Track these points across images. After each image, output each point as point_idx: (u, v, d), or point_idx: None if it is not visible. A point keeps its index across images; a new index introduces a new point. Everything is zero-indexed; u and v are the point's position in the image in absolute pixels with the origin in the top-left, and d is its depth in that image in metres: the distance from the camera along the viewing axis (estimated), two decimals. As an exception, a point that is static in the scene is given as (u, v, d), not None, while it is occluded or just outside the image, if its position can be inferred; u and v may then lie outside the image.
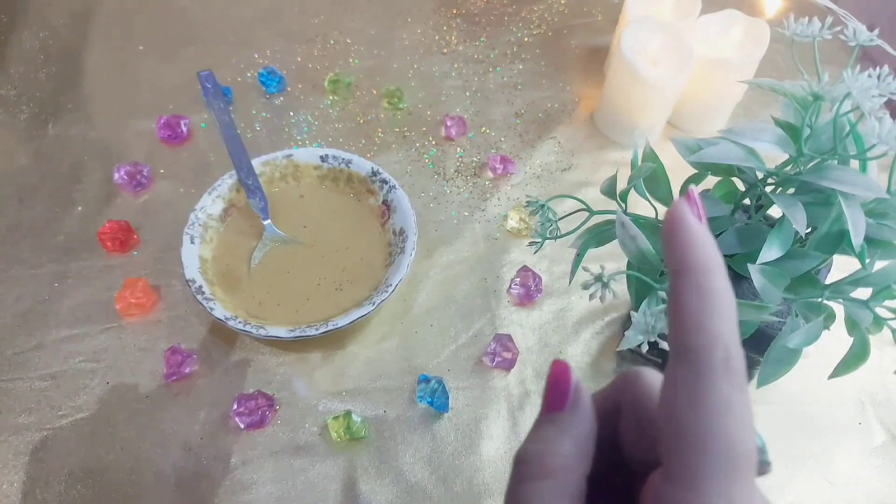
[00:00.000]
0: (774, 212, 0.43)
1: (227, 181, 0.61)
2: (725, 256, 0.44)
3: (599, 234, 0.46)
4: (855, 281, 0.39)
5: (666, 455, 0.20)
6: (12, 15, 0.80)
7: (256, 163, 0.62)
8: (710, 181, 0.45)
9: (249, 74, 0.76)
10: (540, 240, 0.45)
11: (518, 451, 0.23)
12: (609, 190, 0.46)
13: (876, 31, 0.39)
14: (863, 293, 0.38)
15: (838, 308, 0.40)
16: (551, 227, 0.45)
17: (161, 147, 0.70)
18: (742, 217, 0.45)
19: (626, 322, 0.59)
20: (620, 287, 0.55)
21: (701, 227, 0.21)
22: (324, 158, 0.63)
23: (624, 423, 0.25)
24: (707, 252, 0.21)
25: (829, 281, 0.43)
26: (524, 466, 0.23)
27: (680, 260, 0.21)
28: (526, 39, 0.83)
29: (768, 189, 0.42)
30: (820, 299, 0.40)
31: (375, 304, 0.54)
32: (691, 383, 0.20)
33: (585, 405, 0.24)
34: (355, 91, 0.76)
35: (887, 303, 0.38)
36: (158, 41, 0.79)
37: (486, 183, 0.69)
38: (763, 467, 0.23)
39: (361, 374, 0.57)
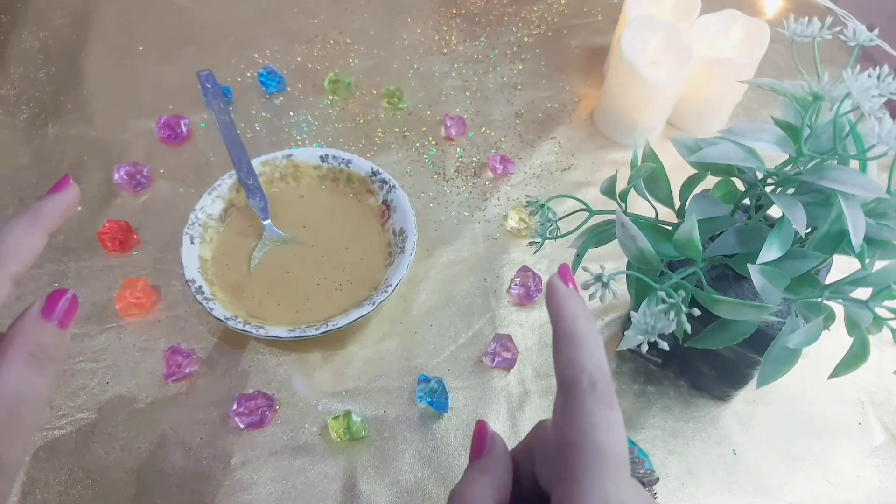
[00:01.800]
0: (774, 212, 0.43)
1: (227, 181, 0.61)
2: (725, 256, 0.44)
3: (599, 234, 0.46)
4: (855, 281, 0.39)
5: (558, 464, 0.26)
6: (12, 15, 0.80)
7: (256, 163, 0.62)
8: (710, 181, 0.45)
9: (249, 74, 0.76)
10: (540, 240, 0.45)
11: (451, 491, 0.30)
12: (609, 190, 0.46)
13: (875, 31, 0.39)
14: (863, 293, 0.38)
15: (838, 308, 0.40)
16: (551, 227, 0.46)
17: (161, 147, 0.70)
18: (742, 217, 0.45)
19: (626, 322, 0.59)
20: (620, 287, 0.55)
21: (568, 291, 0.29)
22: (324, 158, 0.63)
23: (538, 460, 0.31)
24: (572, 306, 0.28)
25: (828, 281, 0.43)
26: (452, 503, 0.29)
27: (554, 314, 0.28)
28: (526, 39, 0.83)
29: (768, 189, 0.42)
30: (820, 299, 0.40)
31: (375, 304, 0.54)
32: (567, 405, 0.26)
33: (500, 450, 0.31)
34: (355, 91, 0.76)
35: (887, 303, 0.38)
36: (158, 41, 0.79)
37: (486, 183, 0.69)
38: (649, 475, 0.29)
39: (361, 374, 0.57)
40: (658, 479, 0.29)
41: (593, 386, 0.26)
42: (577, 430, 0.25)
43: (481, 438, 0.32)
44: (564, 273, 0.30)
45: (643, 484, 0.28)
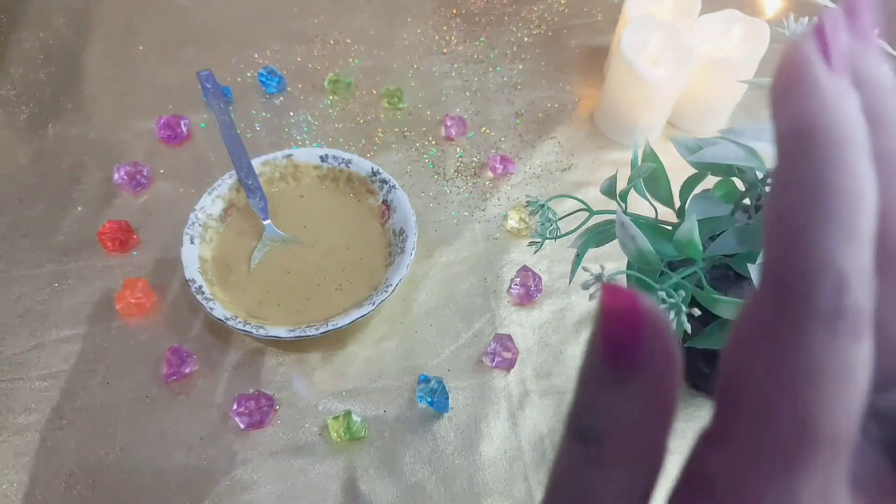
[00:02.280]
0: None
1: (227, 181, 0.61)
2: (726, 256, 0.44)
3: (599, 234, 0.46)
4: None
5: (717, 412, 0.15)
6: (12, 15, 0.80)
7: (256, 163, 0.62)
8: (711, 181, 0.45)
9: (249, 74, 0.76)
10: (540, 240, 0.45)
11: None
12: (609, 190, 0.46)
13: (875, 31, 0.39)
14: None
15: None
16: (551, 227, 0.45)
17: (161, 147, 0.70)
18: (742, 217, 0.45)
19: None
20: (620, 287, 0.55)
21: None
22: (324, 158, 0.63)
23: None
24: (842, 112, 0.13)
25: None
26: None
27: (795, 119, 0.14)
28: (526, 39, 0.83)
29: (768, 189, 0.42)
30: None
31: (375, 304, 0.54)
32: (775, 327, 0.13)
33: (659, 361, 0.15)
34: (355, 91, 0.76)
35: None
36: (158, 41, 0.79)
37: (486, 183, 0.69)
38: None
39: (361, 374, 0.57)
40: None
41: (837, 303, 0.13)
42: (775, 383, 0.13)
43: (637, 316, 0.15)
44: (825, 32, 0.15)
45: None
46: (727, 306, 0.39)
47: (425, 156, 0.71)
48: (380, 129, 0.73)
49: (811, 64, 0.14)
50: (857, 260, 0.13)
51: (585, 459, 0.16)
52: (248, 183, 0.61)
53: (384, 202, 0.62)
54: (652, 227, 0.43)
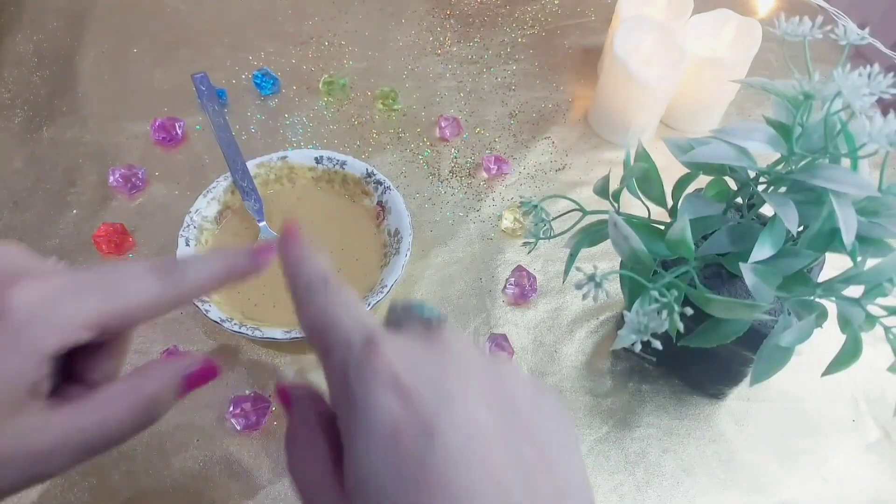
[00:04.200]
0: (766, 211, 0.43)
1: (222, 183, 0.61)
2: (718, 255, 0.44)
3: (593, 234, 0.46)
4: (847, 279, 0.39)
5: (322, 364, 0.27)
6: (6, 18, 0.80)
7: (251, 165, 0.62)
8: (703, 180, 0.45)
9: (244, 76, 0.76)
10: (533, 240, 0.45)
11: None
12: (602, 190, 0.46)
13: (866, 30, 0.39)
14: (855, 291, 0.39)
15: (830, 306, 0.40)
16: (545, 228, 0.46)
17: (156, 149, 0.70)
18: (734, 216, 0.45)
19: (620, 321, 0.59)
20: (613, 286, 0.56)
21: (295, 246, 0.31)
22: (318, 160, 0.63)
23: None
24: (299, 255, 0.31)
25: (821, 279, 0.44)
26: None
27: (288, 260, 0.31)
28: (520, 40, 0.83)
29: (760, 188, 0.42)
30: (812, 297, 0.40)
31: (371, 305, 0.54)
32: (311, 306, 0.28)
33: (300, 403, 0.29)
34: (350, 92, 0.76)
35: (879, 300, 0.38)
36: (152, 44, 0.79)
37: (481, 183, 0.69)
38: (429, 319, 0.27)
39: (357, 375, 0.57)
40: (443, 316, 0.27)
41: (325, 282, 0.28)
42: (324, 319, 0.27)
43: (284, 400, 0.29)
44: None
45: (429, 327, 0.26)
46: (720, 305, 0.39)
47: (420, 157, 0.71)
48: (374, 131, 0.73)
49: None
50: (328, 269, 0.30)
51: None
52: (243, 185, 0.61)
53: (379, 203, 0.62)
54: (645, 227, 0.44)
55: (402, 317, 0.28)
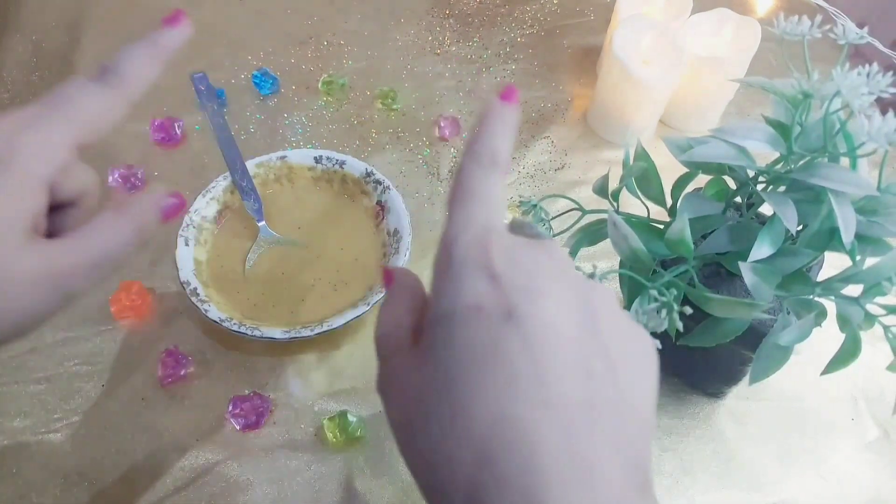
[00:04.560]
0: (766, 210, 0.43)
1: (222, 183, 0.61)
2: (717, 254, 0.44)
3: (592, 234, 0.46)
4: (846, 278, 0.39)
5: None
6: (5, 18, 0.80)
7: (250, 164, 0.62)
8: (702, 180, 0.46)
9: (243, 76, 0.76)
10: (533, 239, 0.45)
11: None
12: (601, 189, 0.47)
13: (865, 29, 0.39)
14: (854, 290, 0.39)
15: (830, 305, 0.40)
16: (544, 227, 0.46)
17: (155, 149, 0.70)
18: (733, 215, 0.45)
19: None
20: (613, 285, 0.55)
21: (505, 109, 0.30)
22: (318, 160, 0.63)
23: None
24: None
25: (820, 278, 0.44)
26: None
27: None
28: (519, 39, 0.84)
29: (759, 187, 0.42)
30: (811, 296, 0.40)
31: (370, 305, 0.54)
32: (463, 175, 0.29)
33: (405, 278, 0.34)
34: (349, 92, 0.76)
35: (878, 299, 0.38)
36: (151, 43, 0.79)
37: (480, 183, 0.69)
38: (535, 233, 0.30)
39: (357, 374, 0.57)
40: (551, 235, 0.30)
41: (494, 163, 0.29)
42: (465, 191, 0.28)
43: (387, 278, 0.32)
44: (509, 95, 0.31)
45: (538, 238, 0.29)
46: (719, 304, 0.40)
47: (419, 156, 0.71)
48: (374, 130, 0.73)
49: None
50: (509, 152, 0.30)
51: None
52: (242, 185, 0.61)
53: (378, 203, 0.62)
54: (644, 226, 0.44)
55: (517, 230, 0.30)
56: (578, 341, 0.24)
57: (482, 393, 0.23)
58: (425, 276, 0.62)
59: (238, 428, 0.53)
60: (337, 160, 0.63)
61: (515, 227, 0.30)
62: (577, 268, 0.38)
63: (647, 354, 0.27)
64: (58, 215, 0.33)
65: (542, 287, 0.25)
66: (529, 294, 0.25)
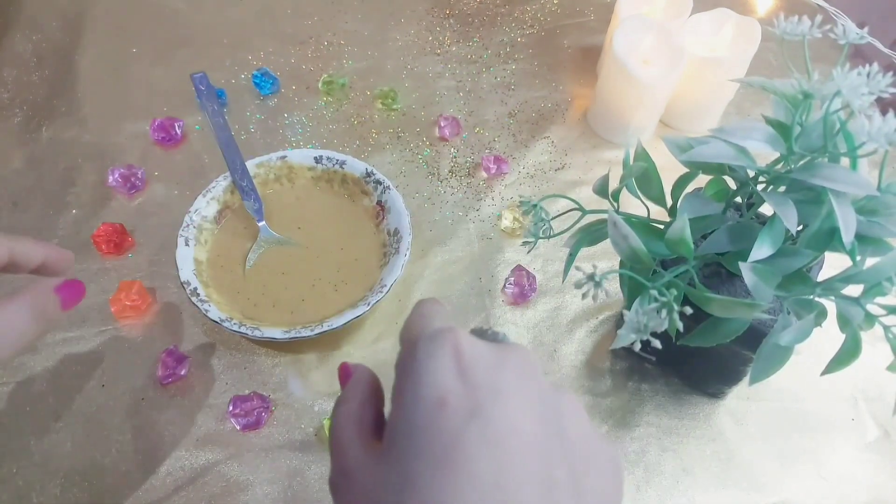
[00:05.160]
0: (766, 210, 0.43)
1: (222, 183, 0.61)
2: (717, 254, 0.44)
3: (592, 234, 0.46)
4: (846, 278, 0.39)
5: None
6: (5, 18, 0.80)
7: (251, 164, 0.62)
8: (702, 180, 0.45)
9: (243, 76, 0.76)
10: (532, 239, 0.45)
11: None
12: (602, 189, 0.47)
13: (865, 29, 0.39)
14: (854, 290, 0.39)
15: (830, 305, 0.40)
16: (544, 227, 0.46)
17: (155, 149, 0.70)
18: (734, 215, 0.45)
19: (620, 320, 0.59)
20: (613, 286, 0.55)
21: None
22: (318, 160, 0.63)
23: None
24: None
25: (820, 278, 0.44)
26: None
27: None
28: (519, 39, 0.84)
29: (759, 187, 0.42)
30: (811, 296, 0.40)
31: (370, 305, 0.54)
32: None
33: (360, 375, 0.31)
34: (349, 92, 0.76)
35: (878, 299, 0.38)
36: (152, 43, 0.79)
37: (480, 183, 0.69)
38: (495, 336, 0.30)
39: (357, 374, 0.57)
40: (503, 334, 0.30)
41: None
42: (420, 318, 0.29)
43: (344, 374, 0.32)
44: None
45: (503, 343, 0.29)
46: (719, 304, 0.39)
47: (419, 156, 0.71)
48: (374, 130, 0.73)
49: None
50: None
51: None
52: (242, 185, 0.61)
53: (378, 203, 0.62)
54: (644, 226, 0.44)
55: (479, 336, 0.29)
56: (542, 448, 0.24)
57: (439, 495, 0.22)
58: (424, 276, 0.63)
59: (238, 428, 0.53)
60: (337, 160, 0.63)
61: (478, 333, 0.30)
62: (577, 268, 0.38)
63: (612, 466, 0.26)
64: None
65: (509, 388, 0.24)
66: (496, 394, 0.24)
